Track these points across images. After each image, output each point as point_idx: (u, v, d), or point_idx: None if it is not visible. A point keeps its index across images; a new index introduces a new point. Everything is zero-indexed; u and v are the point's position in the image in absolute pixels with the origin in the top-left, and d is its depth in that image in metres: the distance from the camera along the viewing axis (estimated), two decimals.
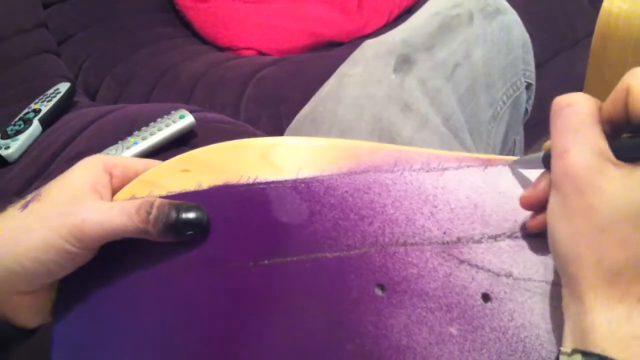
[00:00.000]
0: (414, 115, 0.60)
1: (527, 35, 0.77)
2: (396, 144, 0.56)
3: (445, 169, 0.46)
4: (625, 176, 0.32)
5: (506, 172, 0.46)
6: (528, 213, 0.44)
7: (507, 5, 0.75)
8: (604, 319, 0.33)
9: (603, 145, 0.34)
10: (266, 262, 0.43)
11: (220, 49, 1.25)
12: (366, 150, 0.46)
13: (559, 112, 0.36)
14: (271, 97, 1.07)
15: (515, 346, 0.41)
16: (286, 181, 0.45)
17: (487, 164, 0.46)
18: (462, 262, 0.43)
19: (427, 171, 0.45)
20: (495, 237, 0.44)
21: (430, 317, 0.42)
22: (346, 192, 0.45)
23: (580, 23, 1.30)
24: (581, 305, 0.35)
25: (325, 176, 0.45)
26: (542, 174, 0.41)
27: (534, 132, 0.95)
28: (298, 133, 0.65)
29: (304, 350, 0.42)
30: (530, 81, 0.77)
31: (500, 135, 0.75)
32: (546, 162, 0.40)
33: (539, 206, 0.41)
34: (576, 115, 0.35)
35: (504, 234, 0.44)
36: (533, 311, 0.42)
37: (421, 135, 0.59)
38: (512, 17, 0.74)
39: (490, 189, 0.45)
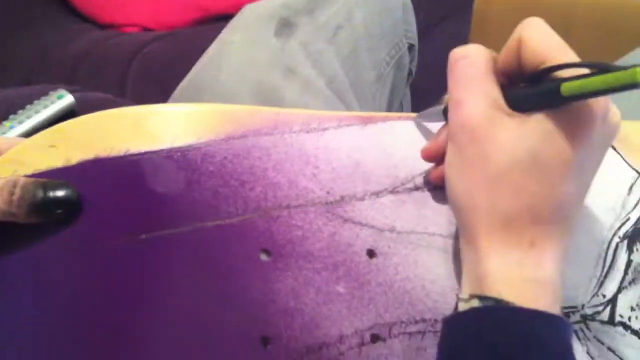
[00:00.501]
0: (297, 78, 0.60)
1: None
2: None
3: (326, 128, 0.46)
4: (518, 125, 0.33)
5: (387, 128, 0.46)
6: (408, 167, 0.44)
7: None
8: (498, 263, 0.34)
9: (497, 95, 0.35)
10: (144, 236, 0.42)
11: (102, 26, 1.19)
12: (244, 114, 0.45)
13: (454, 64, 0.36)
14: (158, 73, 1.03)
15: (402, 298, 0.42)
16: (161, 151, 0.43)
17: (367, 121, 0.46)
18: (346, 220, 0.43)
19: (308, 132, 0.45)
20: (377, 194, 0.44)
21: (317, 277, 0.42)
22: (225, 158, 0.44)
23: None
24: (477, 252, 0.35)
25: (202, 143, 0.44)
26: (443, 127, 0.42)
27: (423, 96, 0.97)
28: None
29: (196, 321, 0.41)
30: (412, 42, 0.79)
31: (385, 97, 0.76)
32: (446, 115, 0.40)
33: (439, 158, 0.41)
34: (470, 66, 0.36)
35: (386, 189, 0.44)
36: (417, 263, 0.43)
37: (305, 98, 0.59)
38: None
39: (371, 146, 0.45)
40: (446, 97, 0.42)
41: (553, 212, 0.34)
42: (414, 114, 0.47)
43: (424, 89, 0.99)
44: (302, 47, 0.62)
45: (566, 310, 0.43)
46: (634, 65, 0.28)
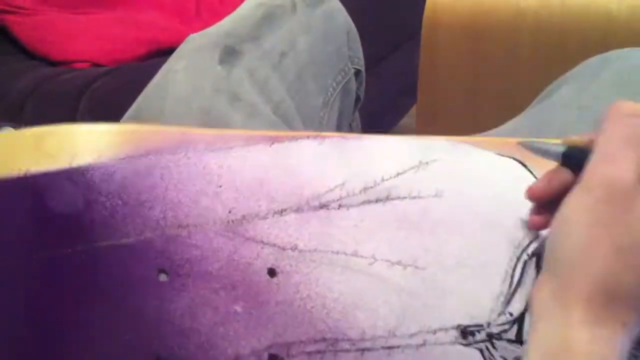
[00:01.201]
0: (243, 105, 0.60)
1: (351, 23, 0.79)
2: None
3: (231, 147, 0.46)
4: None
5: (294, 147, 0.47)
6: (314, 186, 0.45)
7: None
8: (586, 336, 0.32)
9: None
10: (40, 256, 0.41)
11: (53, 63, 1.20)
12: (147, 133, 0.45)
13: (620, 117, 0.34)
14: (107, 108, 1.04)
15: (302, 317, 0.41)
16: (60, 170, 0.43)
17: (274, 140, 0.47)
18: (247, 239, 0.43)
19: (212, 151, 0.45)
20: (281, 212, 0.44)
21: (214, 297, 0.41)
22: (124, 177, 0.44)
23: (415, 16, 1.37)
24: (566, 314, 0.33)
25: (101, 163, 0.44)
26: (557, 170, 0.40)
27: (375, 120, 0.99)
28: None
29: (91, 340, 0.40)
30: (358, 67, 0.80)
31: (333, 121, 0.77)
32: (565, 158, 0.39)
33: (544, 201, 0.40)
34: (632, 123, 0.34)
35: (290, 207, 0.44)
36: (319, 281, 0.42)
37: (251, 124, 0.59)
38: (335, 5, 0.76)
39: (277, 164, 0.46)
40: (566, 138, 0.39)
41: None
42: (326, 133, 0.48)
43: (376, 113, 1.00)
44: (247, 74, 0.62)
45: (472, 329, 0.43)
46: None
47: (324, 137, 0.47)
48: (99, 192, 0.43)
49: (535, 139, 0.43)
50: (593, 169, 0.34)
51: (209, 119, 0.58)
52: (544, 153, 0.41)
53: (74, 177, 0.43)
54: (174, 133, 0.45)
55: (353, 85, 0.81)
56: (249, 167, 0.45)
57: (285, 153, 0.46)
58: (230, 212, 0.44)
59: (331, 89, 0.75)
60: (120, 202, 0.43)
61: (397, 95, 1.30)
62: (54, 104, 1.08)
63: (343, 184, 0.46)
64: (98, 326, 0.40)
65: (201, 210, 0.43)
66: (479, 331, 0.42)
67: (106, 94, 1.06)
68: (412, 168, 0.47)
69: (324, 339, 0.41)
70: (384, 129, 1.27)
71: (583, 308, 0.32)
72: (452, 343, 0.41)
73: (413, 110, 1.25)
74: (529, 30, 0.94)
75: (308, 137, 0.47)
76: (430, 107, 0.98)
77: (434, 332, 0.42)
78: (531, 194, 0.41)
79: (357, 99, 0.86)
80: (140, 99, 0.65)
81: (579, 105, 0.61)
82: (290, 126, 0.65)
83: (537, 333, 0.34)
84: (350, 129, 0.91)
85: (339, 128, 0.81)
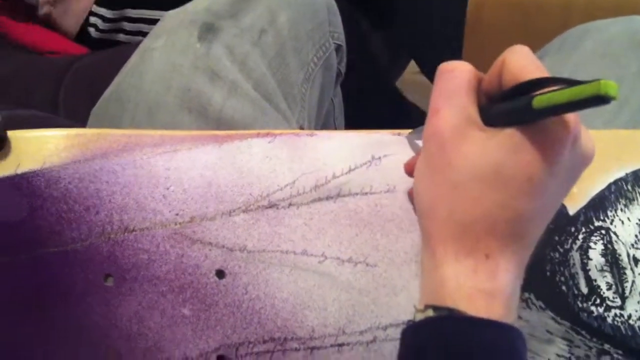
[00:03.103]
0: (223, 82, 0.61)
1: None
2: (207, 114, 0.57)
3: (179, 149, 0.47)
4: (486, 138, 0.35)
5: (244, 146, 0.48)
6: (263, 185, 0.46)
7: None
8: (452, 272, 0.35)
9: (472, 110, 0.37)
10: None
11: (28, 51, 1.20)
12: (92, 137, 0.46)
13: (439, 76, 0.38)
14: (90, 85, 1.04)
15: (250, 318, 0.43)
16: (4, 178, 0.44)
17: (223, 140, 0.48)
18: (195, 241, 0.44)
19: (160, 153, 0.46)
20: (229, 213, 0.45)
21: (162, 300, 0.42)
22: (69, 183, 0.45)
23: None
24: (433, 259, 0.37)
25: (46, 169, 0.45)
26: None
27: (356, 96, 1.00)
28: (103, 115, 0.64)
29: (39, 347, 0.41)
30: (339, 42, 0.81)
31: (315, 97, 0.78)
32: None
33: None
34: (454, 80, 0.38)
35: (239, 208, 0.45)
36: (268, 282, 0.43)
37: (232, 102, 0.60)
38: None
39: (226, 165, 0.47)
40: None
41: (510, 226, 0.35)
42: (278, 130, 0.49)
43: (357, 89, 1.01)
44: (227, 51, 0.63)
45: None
46: (600, 79, 0.29)
47: (274, 135, 0.48)
48: (44, 199, 0.44)
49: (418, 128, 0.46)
50: (426, 125, 0.38)
51: (189, 97, 0.59)
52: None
53: (18, 184, 0.44)
54: (120, 136, 0.46)
55: (334, 60, 0.82)
56: (197, 168, 0.46)
57: (234, 153, 0.47)
58: (177, 214, 0.45)
59: (312, 64, 0.76)
60: (65, 207, 0.44)
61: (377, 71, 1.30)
62: (37, 86, 1.08)
63: (293, 182, 0.47)
64: (44, 334, 0.42)
65: (148, 213, 0.44)
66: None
67: (89, 71, 1.05)
68: (365, 164, 0.48)
69: (272, 339, 0.42)
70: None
71: (443, 248, 0.36)
72: None
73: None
74: (581, 7, 0.93)
75: (258, 135, 0.48)
76: None
77: (385, 328, 0.44)
78: (406, 169, 0.45)
79: (339, 74, 0.87)
80: (118, 78, 0.66)
81: (560, 75, 0.61)
82: (271, 102, 0.66)
83: (422, 280, 0.38)
84: (332, 104, 0.92)
85: (320, 103, 0.82)
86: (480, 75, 0.39)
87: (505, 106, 0.35)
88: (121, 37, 1.12)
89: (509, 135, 0.34)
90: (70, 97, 1.04)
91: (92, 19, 1.12)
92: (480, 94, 0.38)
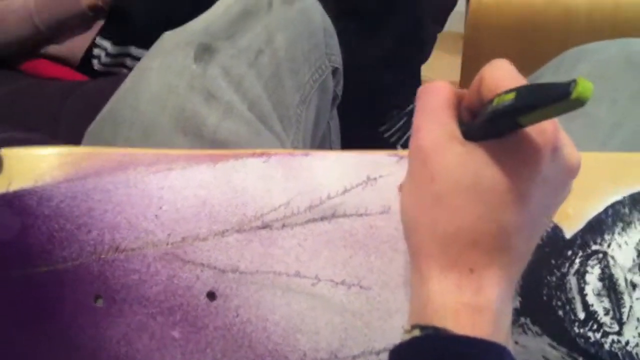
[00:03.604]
0: (218, 103, 0.61)
1: (328, 20, 0.80)
2: (202, 135, 0.57)
3: (173, 168, 0.46)
4: (466, 151, 0.35)
5: (238, 165, 0.47)
6: (257, 205, 0.46)
7: None
8: (438, 288, 0.35)
9: (452, 125, 0.37)
10: None
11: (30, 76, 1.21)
12: (86, 155, 0.46)
13: (420, 96, 0.39)
14: (92, 110, 1.04)
15: (241, 341, 0.42)
16: None
17: (218, 159, 0.47)
18: (186, 262, 0.44)
19: (154, 172, 0.46)
20: (222, 233, 0.45)
21: (151, 322, 0.42)
22: (61, 201, 0.44)
23: None
24: (419, 275, 0.37)
25: (39, 187, 0.44)
26: None
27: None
28: (98, 135, 0.64)
29: None
30: (336, 65, 0.81)
31: (311, 119, 0.78)
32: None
33: None
34: (433, 99, 0.39)
35: (232, 228, 0.45)
36: (260, 304, 0.43)
37: (227, 123, 0.60)
38: (311, 2, 0.77)
39: (220, 184, 0.46)
40: None
41: (493, 239, 0.35)
42: (273, 150, 0.49)
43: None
44: (223, 72, 0.63)
45: None
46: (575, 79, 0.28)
47: (269, 155, 0.48)
48: (35, 217, 0.44)
49: None
50: (410, 144, 0.38)
51: (184, 118, 0.59)
52: None
53: (10, 201, 0.44)
54: (114, 154, 0.46)
55: (330, 82, 0.82)
56: (191, 188, 0.46)
57: (229, 172, 0.47)
58: (169, 234, 0.44)
59: (308, 87, 0.76)
60: (57, 226, 0.44)
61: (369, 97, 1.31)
62: (39, 108, 1.09)
63: (288, 202, 0.47)
64: (35, 353, 0.41)
65: (140, 233, 0.44)
66: None
67: (94, 94, 1.06)
68: (360, 184, 0.48)
69: None
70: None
71: (427, 264, 0.36)
72: None
73: None
74: (581, 31, 0.93)
75: (253, 154, 0.48)
76: None
77: (377, 353, 0.43)
78: (399, 189, 0.44)
79: (335, 96, 0.87)
80: (114, 98, 0.66)
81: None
82: (266, 124, 0.66)
83: (411, 299, 0.38)
84: (329, 127, 0.92)
85: (316, 125, 0.82)
86: (461, 93, 0.39)
87: (482, 119, 0.35)
88: (123, 71, 1.12)
89: (488, 148, 0.35)
90: (71, 121, 1.04)
91: (96, 51, 1.13)
92: (462, 110, 0.39)
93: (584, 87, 0.28)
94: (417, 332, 0.35)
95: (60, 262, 0.43)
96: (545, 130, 0.34)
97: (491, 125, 0.35)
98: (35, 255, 0.43)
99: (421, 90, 0.40)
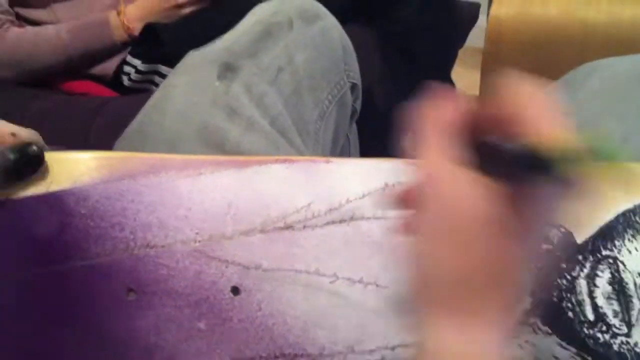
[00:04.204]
0: (240, 119, 0.64)
1: (346, 38, 0.83)
2: (224, 149, 0.60)
3: (201, 172, 0.50)
4: (481, 186, 0.33)
5: (262, 170, 0.50)
6: (281, 207, 0.49)
7: (326, 10, 0.81)
8: (434, 336, 0.33)
9: (454, 153, 0.34)
10: (16, 276, 0.45)
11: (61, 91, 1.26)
12: (121, 159, 0.50)
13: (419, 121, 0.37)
14: (121, 125, 1.09)
15: (262, 334, 0.45)
16: (37, 196, 0.48)
17: (243, 165, 0.51)
18: (212, 258, 0.47)
19: (183, 177, 0.49)
20: (246, 233, 0.48)
21: (179, 314, 0.45)
22: (97, 201, 0.48)
23: None
24: (420, 324, 0.35)
25: (76, 188, 0.48)
26: None
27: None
28: (125, 150, 0.68)
29: (61, 357, 0.44)
30: (354, 81, 0.84)
31: (330, 133, 0.81)
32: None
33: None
34: (432, 124, 0.36)
35: (256, 228, 0.48)
36: (281, 299, 0.46)
37: (248, 137, 0.63)
38: (331, 21, 0.81)
39: (245, 187, 0.49)
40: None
41: (497, 276, 0.33)
42: (295, 157, 0.51)
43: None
44: (245, 89, 0.67)
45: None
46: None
47: (292, 161, 0.51)
48: (72, 215, 0.47)
49: None
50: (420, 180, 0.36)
51: (207, 133, 0.62)
52: None
53: (50, 201, 0.47)
54: (147, 159, 0.49)
55: (349, 98, 0.85)
56: (218, 191, 0.49)
57: (253, 177, 0.50)
58: (197, 233, 0.47)
59: (327, 102, 0.79)
60: (92, 224, 0.47)
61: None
62: (69, 123, 1.13)
63: (308, 205, 0.49)
64: (73, 346, 0.44)
65: (170, 231, 0.47)
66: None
67: (123, 109, 1.10)
68: (378, 190, 0.50)
69: (283, 354, 0.44)
70: None
71: (425, 313, 0.34)
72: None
73: None
74: (598, 46, 0.94)
75: (276, 161, 0.51)
76: None
77: (393, 348, 0.45)
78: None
79: (354, 112, 0.90)
80: (140, 114, 0.70)
81: (564, 112, 0.63)
82: (286, 139, 0.69)
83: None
84: (348, 141, 0.95)
85: (335, 139, 0.85)
86: (464, 109, 0.36)
87: (515, 158, 0.32)
88: (152, 88, 1.17)
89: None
90: (100, 136, 1.08)
91: (126, 68, 1.18)
92: (466, 129, 0.36)
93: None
94: None
95: (94, 258, 0.46)
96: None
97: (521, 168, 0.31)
98: (72, 251, 0.46)
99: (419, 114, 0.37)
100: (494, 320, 0.33)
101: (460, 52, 1.30)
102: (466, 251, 0.32)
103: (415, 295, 0.35)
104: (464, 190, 0.33)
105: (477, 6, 1.27)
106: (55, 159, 0.49)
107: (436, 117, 0.35)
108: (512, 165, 0.31)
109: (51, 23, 1.20)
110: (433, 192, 0.34)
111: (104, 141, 1.07)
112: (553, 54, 0.96)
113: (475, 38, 1.35)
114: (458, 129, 0.35)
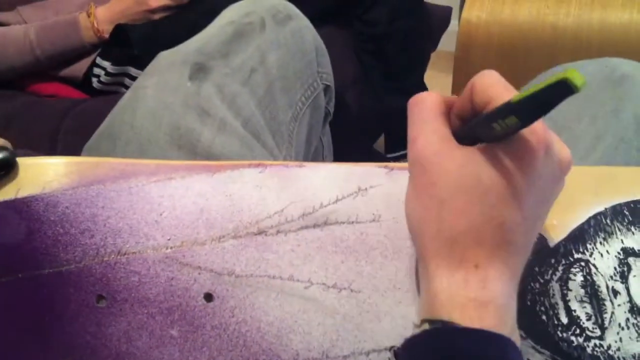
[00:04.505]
0: (212, 120, 0.64)
1: (319, 39, 0.83)
2: (196, 150, 0.60)
3: (172, 178, 0.49)
4: (464, 154, 0.38)
5: (235, 175, 0.50)
6: (253, 212, 0.48)
7: (298, 11, 0.81)
8: (445, 284, 0.37)
9: (446, 132, 0.40)
10: None
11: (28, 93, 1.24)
12: (91, 164, 0.49)
13: (411, 108, 0.42)
14: (90, 127, 1.08)
15: (236, 341, 0.44)
16: (4, 202, 0.47)
17: (216, 170, 0.50)
18: (185, 265, 0.46)
19: (154, 181, 0.49)
20: (219, 238, 0.47)
21: (151, 321, 0.44)
22: (67, 207, 0.47)
23: None
24: (427, 274, 0.39)
25: (45, 194, 0.47)
26: None
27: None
28: (95, 151, 0.67)
29: None
30: (327, 83, 0.84)
31: (303, 135, 0.80)
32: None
33: None
34: (424, 109, 0.41)
35: (229, 234, 0.47)
36: (254, 305, 0.45)
37: (220, 139, 0.63)
38: (304, 22, 0.80)
39: (218, 193, 0.49)
40: None
41: (495, 235, 0.37)
42: (268, 162, 0.51)
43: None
44: (217, 90, 0.66)
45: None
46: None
47: (265, 166, 0.51)
48: (42, 222, 0.46)
49: None
50: (408, 155, 0.41)
51: (179, 134, 0.61)
52: None
53: (18, 207, 0.46)
54: (117, 164, 0.49)
55: (322, 100, 0.85)
56: (190, 196, 0.48)
57: (226, 182, 0.49)
58: (169, 239, 0.47)
59: (300, 104, 0.78)
60: (62, 230, 0.46)
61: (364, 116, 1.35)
62: (36, 125, 1.12)
63: (282, 210, 0.49)
64: (40, 354, 0.43)
65: (141, 237, 0.46)
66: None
67: (90, 113, 1.09)
68: (351, 194, 0.50)
69: None
70: None
71: (435, 263, 0.38)
72: None
73: None
74: (568, 50, 0.95)
75: (249, 165, 0.50)
76: None
77: (367, 353, 0.45)
78: None
79: (327, 113, 0.90)
80: (111, 115, 0.69)
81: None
82: (259, 140, 0.69)
83: (420, 297, 0.40)
84: (321, 143, 0.95)
85: (308, 142, 0.84)
86: (450, 100, 0.42)
87: (480, 126, 0.38)
88: (122, 90, 1.16)
89: (485, 150, 0.37)
90: (69, 138, 1.07)
91: (96, 70, 1.16)
92: (452, 117, 0.41)
93: (575, 76, 0.30)
94: (426, 326, 0.37)
95: (64, 265, 0.46)
96: (536, 130, 0.36)
97: (488, 132, 0.37)
98: (41, 258, 0.46)
99: (412, 102, 0.42)
100: (493, 274, 0.37)
101: (433, 56, 1.31)
102: (460, 216, 0.37)
103: (425, 257, 0.39)
104: (455, 163, 0.38)
105: (449, 10, 1.28)
106: (24, 164, 0.49)
107: (425, 106, 0.41)
108: (480, 126, 0.37)
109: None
110: (436, 164, 0.38)
111: (72, 143, 1.06)
112: (524, 58, 0.97)
113: (448, 42, 1.37)
114: (443, 113, 0.41)
